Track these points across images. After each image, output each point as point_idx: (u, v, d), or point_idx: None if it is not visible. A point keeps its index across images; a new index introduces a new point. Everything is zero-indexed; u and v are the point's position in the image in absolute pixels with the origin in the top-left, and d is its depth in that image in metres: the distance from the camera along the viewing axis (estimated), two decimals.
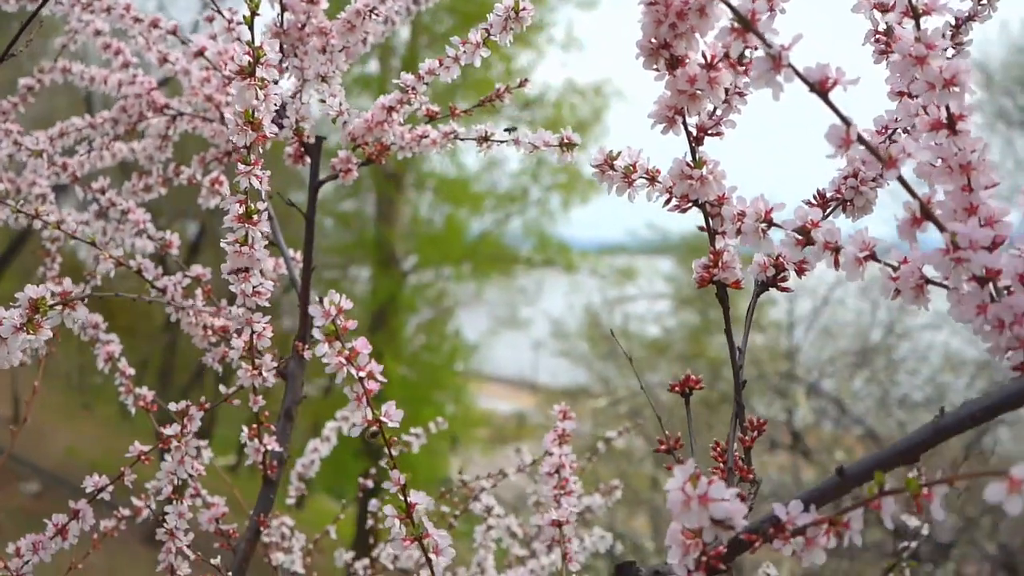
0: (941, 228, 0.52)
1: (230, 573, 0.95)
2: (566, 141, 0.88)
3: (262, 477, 1.01)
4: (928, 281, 0.55)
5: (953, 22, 0.73)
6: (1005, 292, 0.53)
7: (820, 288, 7.22)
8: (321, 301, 0.62)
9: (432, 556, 0.65)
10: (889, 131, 0.69)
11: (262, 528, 1.00)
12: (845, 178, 0.69)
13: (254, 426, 0.97)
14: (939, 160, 0.56)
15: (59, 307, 0.68)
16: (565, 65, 14.03)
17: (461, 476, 1.40)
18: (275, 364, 0.92)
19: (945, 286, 0.54)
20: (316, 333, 0.63)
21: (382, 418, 0.64)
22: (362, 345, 0.64)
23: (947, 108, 0.54)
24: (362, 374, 0.63)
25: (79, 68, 1.26)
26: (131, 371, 1.10)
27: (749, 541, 0.54)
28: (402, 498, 0.66)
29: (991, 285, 0.53)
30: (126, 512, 1.13)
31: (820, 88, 0.51)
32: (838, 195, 0.69)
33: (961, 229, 0.51)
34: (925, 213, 0.52)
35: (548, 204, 11.81)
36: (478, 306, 12.05)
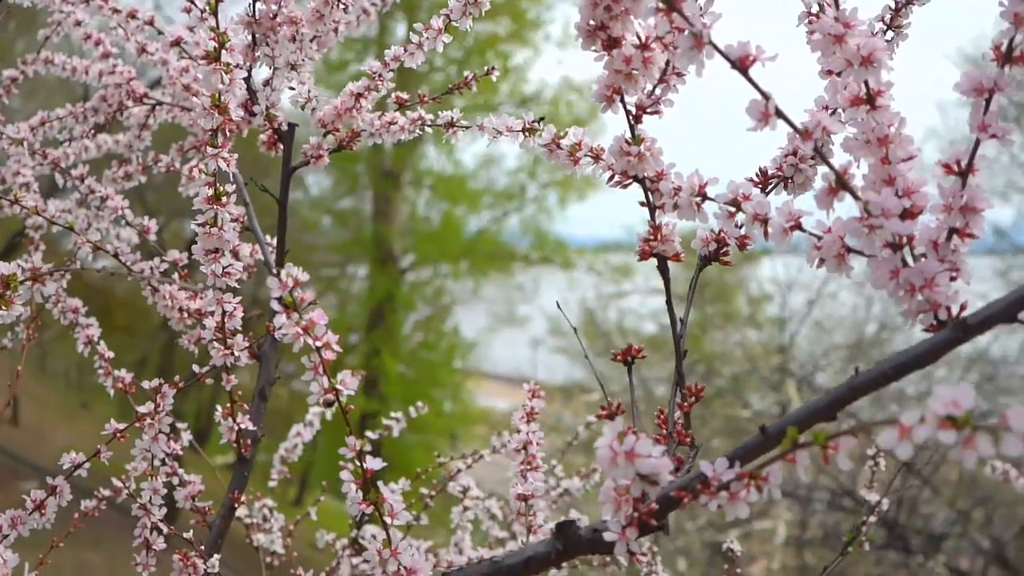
0: (856, 197, 0.55)
1: (203, 547, 0.98)
2: (528, 127, 0.91)
3: (236, 456, 1.04)
4: (849, 250, 0.58)
5: (893, 5, 0.76)
6: (922, 259, 0.56)
7: (815, 283, 7.26)
8: (279, 275, 0.65)
9: (387, 519, 0.68)
10: (829, 111, 0.72)
11: (236, 505, 1.03)
12: (785, 156, 0.72)
13: (228, 405, 1.00)
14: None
15: (29, 282, 0.71)
16: (561, 63, 14.03)
17: (438, 457, 1.43)
18: (247, 344, 0.94)
19: (865, 254, 0.57)
20: (274, 304, 0.65)
21: (338, 386, 0.67)
22: (319, 316, 0.67)
23: (866, 84, 0.57)
24: (319, 344, 0.66)
25: (61, 59, 1.29)
26: (110, 354, 1.13)
27: (679, 498, 0.57)
28: (358, 463, 0.68)
29: (907, 251, 0.56)
30: (106, 492, 1.16)
31: (740, 65, 0.54)
32: (779, 172, 0.72)
33: (873, 198, 0.54)
34: (840, 183, 0.55)
35: (545, 201, 11.85)
36: (476, 303, 12.08)
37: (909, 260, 0.56)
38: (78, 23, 1.24)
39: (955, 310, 0.54)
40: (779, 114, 0.54)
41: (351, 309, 11.22)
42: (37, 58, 1.34)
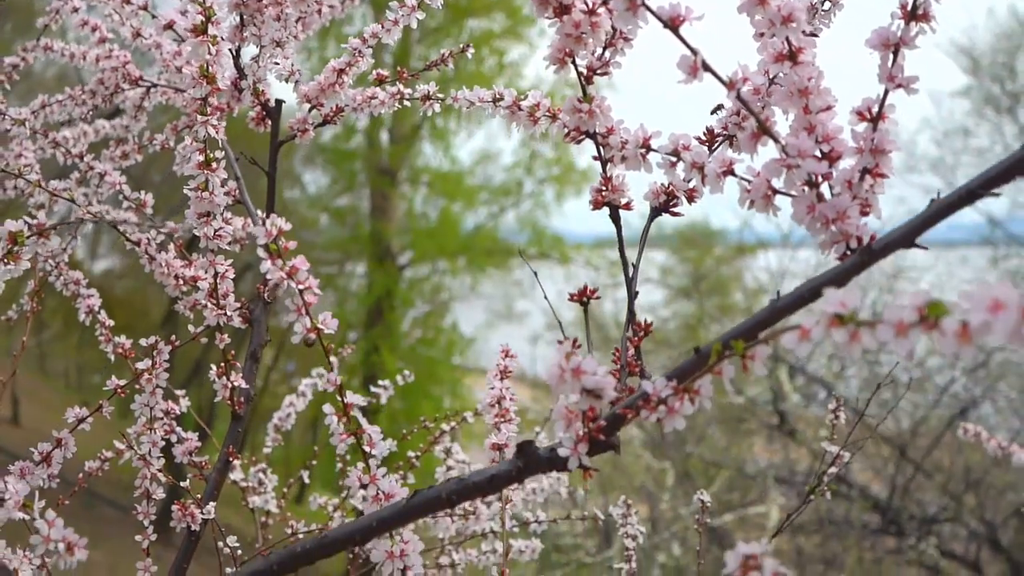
0: (776, 140, 0.61)
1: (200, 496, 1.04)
2: (497, 97, 0.97)
3: (230, 413, 1.10)
4: (775, 191, 0.64)
5: None
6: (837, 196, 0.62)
7: (807, 271, 7.34)
8: (264, 224, 0.71)
9: (367, 448, 0.75)
10: (769, 74, 0.78)
11: (231, 459, 1.09)
12: (731, 115, 0.78)
13: (222, 364, 1.06)
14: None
15: (34, 237, 0.77)
16: None
17: (424, 420, 1.49)
18: (238, 304, 1.01)
19: (788, 194, 0.63)
20: (260, 252, 0.72)
21: (320, 325, 0.73)
22: (301, 262, 0.73)
23: (788, 41, 0.63)
24: (302, 287, 0.72)
25: (59, 45, 1.35)
26: (111, 322, 1.19)
27: (624, 415, 0.63)
28: (340, 399, 0.75)
29: (827, 189, 0.62)
30: (108, 454, 1.22)
31: (672, 24, 0.60)
32: (724, 131, 0.78)
33: (791, 141, 0.60)
34: (762, 128, 0.61)
35: (542, 197, 11.92)
36: (474, 299, 12.15)
37: (828, 197, 0.62)
38: (75, 10, 1.30)
39: (865, 240, 0.60)
40: (706, 67, 0.60)
41: (350, 307, 11.29)
42: (37, 45, 1.40)
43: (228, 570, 1.06)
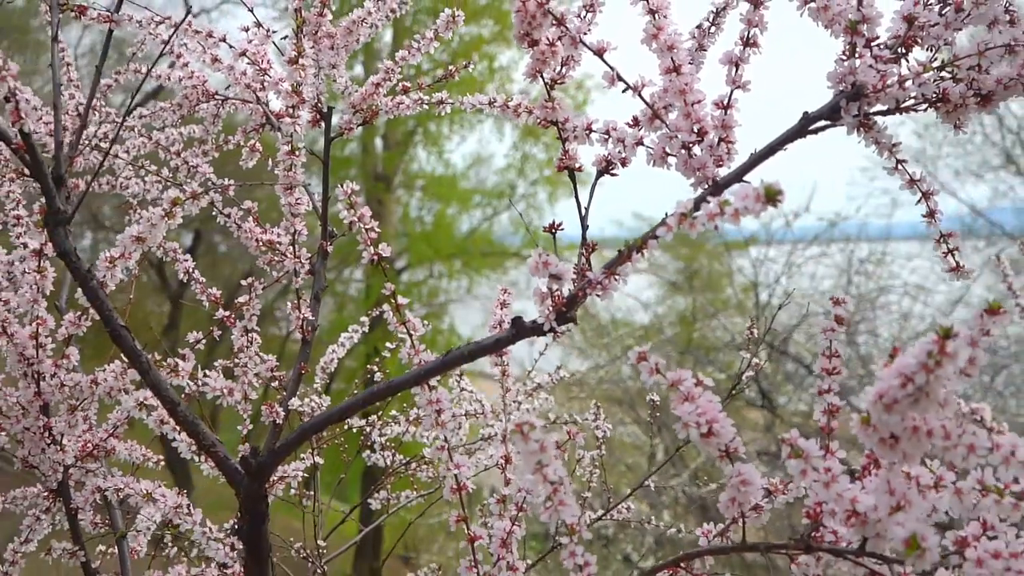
0: (663, 122, 1.00)
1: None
2: (492, 100, 1.36)
3: (301, 339, 1.48)
4: (667, 153, 1.03)
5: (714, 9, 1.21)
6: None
7: (783, 257, 7.74)
8: (342, 185, 1.10)
9: (412, 332, 1.13)
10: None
11: (303, 372, 1.47)
12: (644, 110, 1.17)
13: (295, 301, 1.44)
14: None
15: (190, 200, 1.15)
16: None
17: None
18: (310, 255, 1.39)
19: (673, 155, 1.02)
20: (339, 204, 1.10)
21: (379, 252, 1.12)
22: (366, 211, 1.12)
23: (672, 60, 1.02)
24: (367, 227, 1.11)
25: (145, 68, 1.74)
26: (203, 280, 1.57)
27: (578, 295, 1.01)
28: (394, 301, 1.13)
29: (697, 150, 1.01)
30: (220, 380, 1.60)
31: (598, 52, 0.99)
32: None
33: (671, 121, 0.99)
34: (654, 114, 1.00)
35: (535, 198, 12.31)
36: (471, 301, 12.51)
37: (698, 155, 1.01)
38: (164, 42, 1.69)
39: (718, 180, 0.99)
40: (619, 78, 0.99)
41: (349, 311, 11.66)
42: (128, 69, 1.78)
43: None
